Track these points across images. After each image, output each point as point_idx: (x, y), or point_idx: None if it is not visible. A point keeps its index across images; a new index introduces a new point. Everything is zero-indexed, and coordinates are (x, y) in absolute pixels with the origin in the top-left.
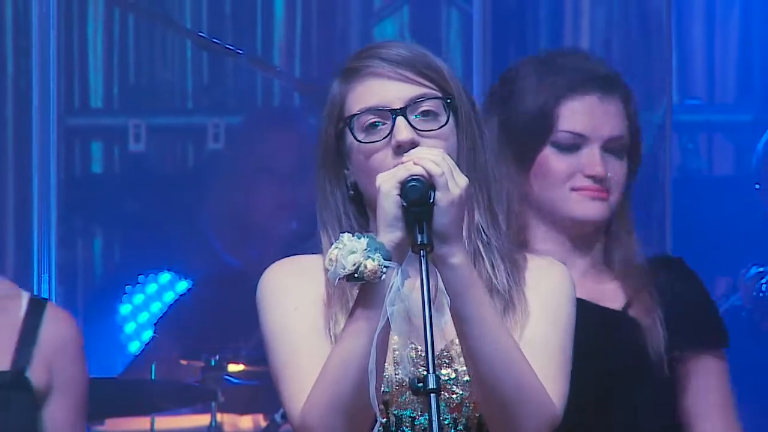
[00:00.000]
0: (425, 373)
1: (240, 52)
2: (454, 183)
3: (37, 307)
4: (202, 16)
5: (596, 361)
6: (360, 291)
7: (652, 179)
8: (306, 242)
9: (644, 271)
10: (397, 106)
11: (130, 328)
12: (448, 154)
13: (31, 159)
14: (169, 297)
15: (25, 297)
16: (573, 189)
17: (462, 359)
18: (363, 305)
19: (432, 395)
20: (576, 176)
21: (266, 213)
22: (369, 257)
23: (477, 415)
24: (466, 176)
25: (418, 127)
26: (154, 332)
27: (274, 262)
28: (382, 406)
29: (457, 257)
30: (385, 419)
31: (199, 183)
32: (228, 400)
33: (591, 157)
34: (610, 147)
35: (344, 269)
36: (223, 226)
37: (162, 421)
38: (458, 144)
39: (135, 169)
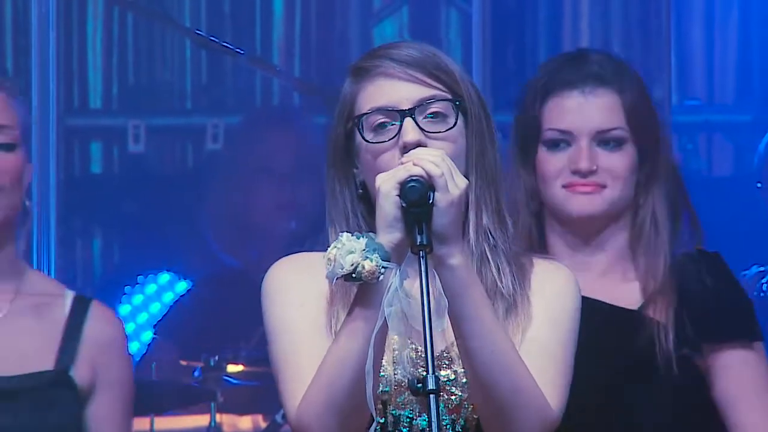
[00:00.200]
0: (425, 373)
1: (239, 51)
2: (453, 184)
3: (81, 306)
4: (201, 16)
5: (602, 361)
6: (358, 291)
7: None
8: (305, 242)
9: (669, 270)
10: (406, 107)
11: (129, 328)
12: (456, 156)
13: (30, 159)
14: (169, 297)
15: (69, 296)
16: (564, 186)
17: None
18: (361, 305)
19: (431, 396)
20: (564, 173)
21: (265, 213)
22: (367, 258)
23: (476, 416)
24: (475, 178)
25: (426, 129)
26: (154, 333)
27: (273, 262)
28: (380, 406)
29: (456, 258)
30: (383, 419)
31: (199, 183)
32: (227, 400)
33: (576, 152)
34: (601, 140)
35: (342, 269)
36: (222, 227)
37: (161, 422)
38: (467, 146)
39: (134, 169)
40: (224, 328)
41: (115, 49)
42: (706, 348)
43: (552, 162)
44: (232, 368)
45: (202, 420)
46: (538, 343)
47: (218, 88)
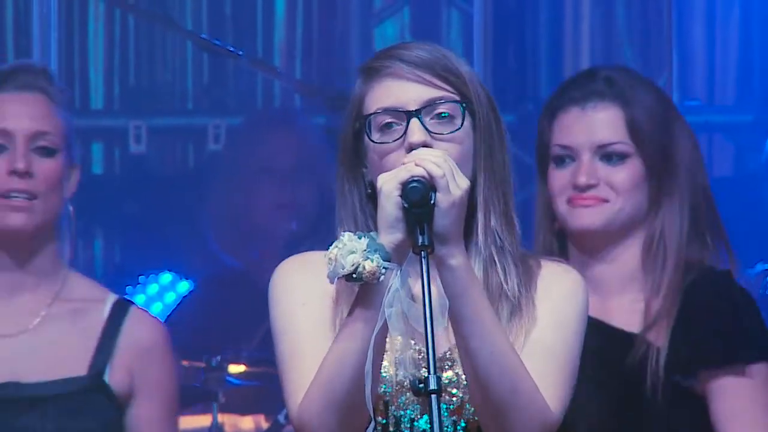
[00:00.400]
0: (426, 374)
1: (240, 53)
2: (455, 184)
3: (120, 311)
4: (203, 17)
5: (595, 384)
6: (359, 292)
7: None
8: (306, 242)
9: (676, 291)
10: (412, 108)
11: None
12: (463, 158)
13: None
14: (171, 297)
15: (110, 300)
16: (567, 201)
17: None
18: (361, 306)
19: (433, 396)
20: (568, 188)
21: (266, 213)
22: (368, 258)
23: (476, 418)
24: (483, 180)
25: (432, 130)
26: None
27: (274, 262)
28: (382, 407)
29: (457, 259)
30: (384, 420)
31: (200, 184)
32: (229, 401)
33: (577, 167)
34: (604, 154)
35: (343, 269)
36: (223, 227)
37: None
38: (475, 147)
39: (135, 170)
40: (226, 328)
41: (116, 50)
42: (703, 373)
43: (558, 178)
44: (233, 369)
45: (204, 420)
46: (541, 345)
47: (219, 89)
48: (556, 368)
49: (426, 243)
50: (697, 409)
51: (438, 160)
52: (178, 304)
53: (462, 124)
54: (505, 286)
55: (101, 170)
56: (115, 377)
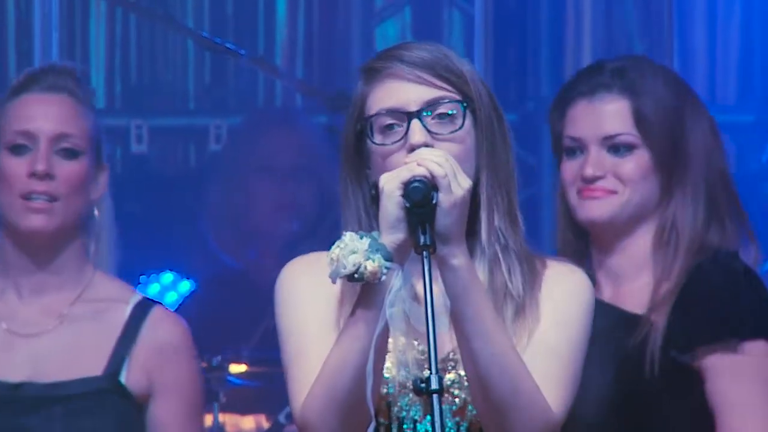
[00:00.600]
0: (428, 373)
1: (241, 53)
2: (456, 184)
3: (141, 311)
4: (204, 17)
5: (601, 365)
6: (360, 292)
7: None
8: (306, 242)
9: (684, 275)
10: (413, 109)
11: None
12: (465, 157)
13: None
14: (172, 297)
15: (133, 300)
16: (577, 192)
17: None
18: (363, 306)
19: (435, 395)
20: (578, 179)
21: (267, 213)
22: (370, 258)
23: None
24: (486, 179)
25: (434, 130)
26: None
27: (274, 262)
28: (384, 408)
29: (459, 259)
30: (387, 421)
31: (201, 184)
32: (230, 400)
33: (584, 159)
34: (611, 146)
35: (344, 269)
36: (223, 227)
37: None
38: (477, 147)
39: (137, 169)
40: (226, 328)
41: (117, 50)
42: (698, 350)
43: (569, 169)
44: (234, 368)
45: (205, 420)
46: (544, 344)
47: (221, 89)
48: (559, 368)
49: (428, 243)
50: (694, 386)
51: (440, 160)
52: (180, 305)
53: (463, 123)
54: (509, 284)
55: None
56: (131, 377)
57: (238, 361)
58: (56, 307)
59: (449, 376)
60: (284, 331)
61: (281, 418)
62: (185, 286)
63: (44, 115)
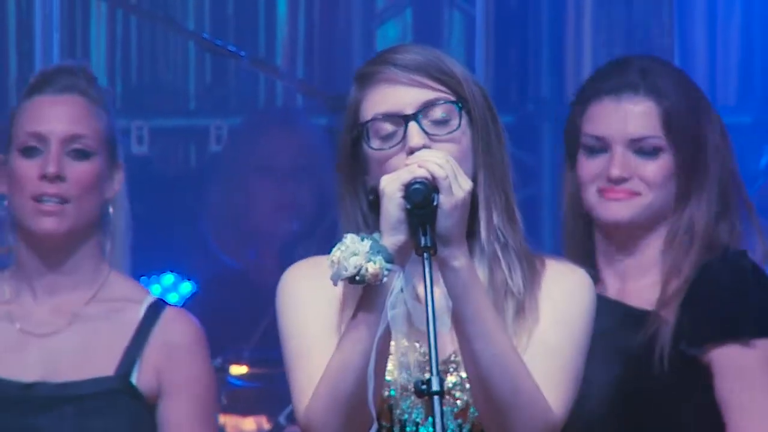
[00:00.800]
0: (429, 375)
1: (242, 54)
2: (457, 186)
3: (154, 311)
4: (205, 18)
5: (608, 361)
6: (362, 294)
7: None
8: (306, 243)
9: (692, 272)
10: (409, 112)
11: None
12: (462, 158)
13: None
14: (173, 298)
15: (147, 301)
16: (598, 191)
17: None
18: (364, 308)
19: (435, 397)
20: (600, 178)
21: (266, 213)
22: (371, 260)
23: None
24: (483, 178)
25: (430, 132)
26: None
27: (274, 262)
28: (386, 410)
29: (460, 260)
30: (388, 423)
31: (201, 184)
32: (231, 402)
33: (610, 160)
34: (637, 148)
35: (346, 271)
36: (223, 228)
37: None
38: (473, 146)
39: (137, 170)
40: (227, 328)
41: (118, 51)
42: (706, 347)
43: (589, 167)
44: (235, 370)
45: None
46: (545, 344)
47: (222, 89)
48: (560, 368)
49: (429, 244)
50: (702, 382)
51: (441, 161)
52: (181, 307)
53: (459, 124)
54: (509, 282)
55: None
56: (142, 378)
57: (238, 363)
58: (70, 307)
59: (451, 378)
60: (286, 334)
61: (282, 419)
62: (186, 287)
63: (55, 116)
